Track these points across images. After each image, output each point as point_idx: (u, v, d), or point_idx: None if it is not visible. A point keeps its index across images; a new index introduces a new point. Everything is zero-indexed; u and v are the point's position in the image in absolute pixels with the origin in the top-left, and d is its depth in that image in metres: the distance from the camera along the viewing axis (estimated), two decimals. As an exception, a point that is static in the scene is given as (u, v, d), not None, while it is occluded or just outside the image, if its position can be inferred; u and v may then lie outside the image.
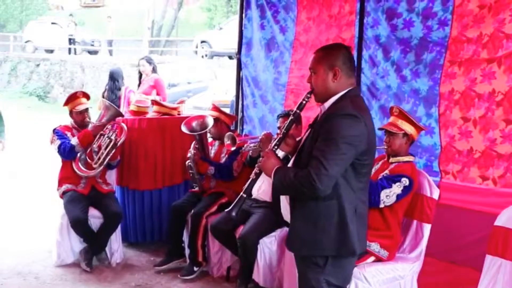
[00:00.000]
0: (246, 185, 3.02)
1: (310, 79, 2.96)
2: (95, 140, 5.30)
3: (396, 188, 3.83)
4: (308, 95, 2.97)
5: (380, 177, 3.90)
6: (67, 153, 5.22)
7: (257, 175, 3.01)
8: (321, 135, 2.77)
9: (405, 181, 3.84)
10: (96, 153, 5.33)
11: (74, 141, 5.18)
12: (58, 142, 5.23)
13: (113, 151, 5.32)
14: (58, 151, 5.24)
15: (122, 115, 5.38)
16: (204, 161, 5.25)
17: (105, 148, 5.28)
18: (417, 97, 4.70)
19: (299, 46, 5.81)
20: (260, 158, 2.97)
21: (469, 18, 4.30)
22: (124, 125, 5.46)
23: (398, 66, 4.85)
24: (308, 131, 3.00)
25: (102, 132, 5.31)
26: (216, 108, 5.44)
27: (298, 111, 3.02)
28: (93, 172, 5.28)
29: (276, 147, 3.02)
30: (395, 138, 3.98)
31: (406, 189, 3.85)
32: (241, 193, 3.00)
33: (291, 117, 3.03)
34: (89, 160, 5.29)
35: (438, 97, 4.53)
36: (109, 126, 5.40)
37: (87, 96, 5.49)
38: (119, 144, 5.34)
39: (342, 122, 2.72)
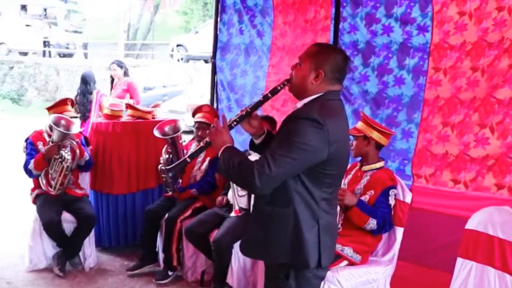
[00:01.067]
0: (193, 151, 2.87)
1: (294, 68, 2.79)
2: (51, 164, 5.15)
3: (392, 202, 3.98)
4: (285, 83, 2.80)
5: (376, 203, 3.93)
6: (28, 173, 5.20)
7: (207, 144, 2.81)
8: (279, 134, 2.64)
9: (393, 192, 3.99)
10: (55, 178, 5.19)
11: (31, 165, 5.11)
12: (25, 157, 5.19)
13: (70, 175, 5.21)
14: (23, 169, 5.19)
15: (68, 135, 5.16)
16: (183, 191, 5.22)
17: (60, 175, 5.14)
18: (399, 103, 4.72)
19: (276, 50, 5.81)
20: (212, 129, 2.77)
21: (450, 25, 4.32)
22: (74, 143, 5.26)
23: (380, 71, 4.86)
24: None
25: (55, 156, 5.13)
26: (214, 113, 5.38)
27: (270, 95, 2.81)
28: (55, 193, 5.19)
29: (235, 122, 2.80)
30: (356, 141, 4.08)
31: (396, 196, 4.02)
32: (185, 157, 2.84)
33: (259, 98, 2.82)
34: (52, 182, 5.18)
35: (422, 103, 4.54)
36: (66, 148, 5.18)
37: (73, 104, 5.51)
38: (73, 166, 5.20)
39: (301, 126, 2.52)
